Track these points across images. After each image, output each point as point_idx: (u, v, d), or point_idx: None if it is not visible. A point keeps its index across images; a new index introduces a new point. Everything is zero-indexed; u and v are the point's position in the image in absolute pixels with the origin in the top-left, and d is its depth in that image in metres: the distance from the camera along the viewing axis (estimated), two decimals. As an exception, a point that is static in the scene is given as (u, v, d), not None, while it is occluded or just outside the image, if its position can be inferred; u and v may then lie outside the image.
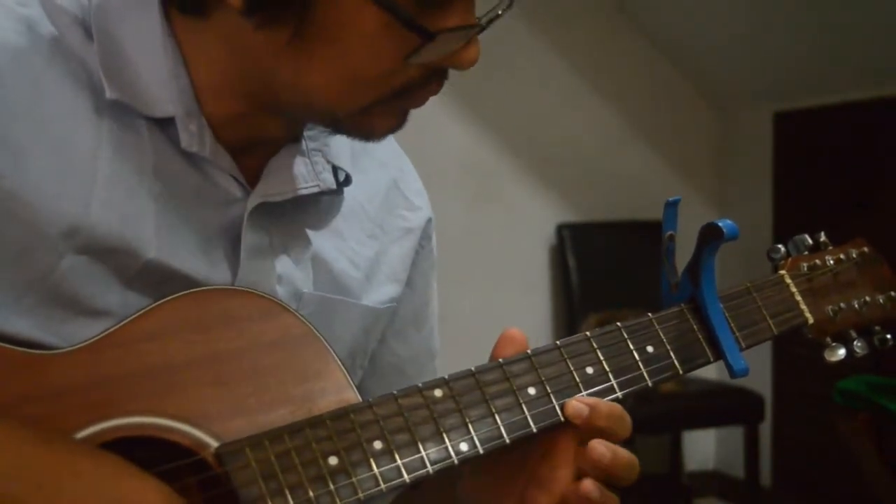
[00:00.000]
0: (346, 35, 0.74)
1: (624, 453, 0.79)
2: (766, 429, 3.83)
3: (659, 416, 3.47)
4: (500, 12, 0.79)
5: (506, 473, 0.83)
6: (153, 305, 0.74)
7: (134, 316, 0.74)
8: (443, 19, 0.75)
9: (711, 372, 3.20)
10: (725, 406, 3.63)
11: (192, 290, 0.76)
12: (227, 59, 0.79)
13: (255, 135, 0.83)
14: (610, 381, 0.83)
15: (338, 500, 0.69)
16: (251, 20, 0.73)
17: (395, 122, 0.82)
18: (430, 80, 0.79)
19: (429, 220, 1.01)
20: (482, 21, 0.77)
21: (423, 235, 1.00)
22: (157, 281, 0.78)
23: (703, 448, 4.24)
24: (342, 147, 0.90)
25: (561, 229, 3.95)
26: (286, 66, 0.76)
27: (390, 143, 0.99)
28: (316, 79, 0.76)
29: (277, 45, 0.74)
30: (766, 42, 3.74)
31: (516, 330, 0.83)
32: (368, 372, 0.97)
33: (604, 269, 3.88)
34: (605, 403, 0.80)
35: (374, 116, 0.80)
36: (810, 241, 1.02)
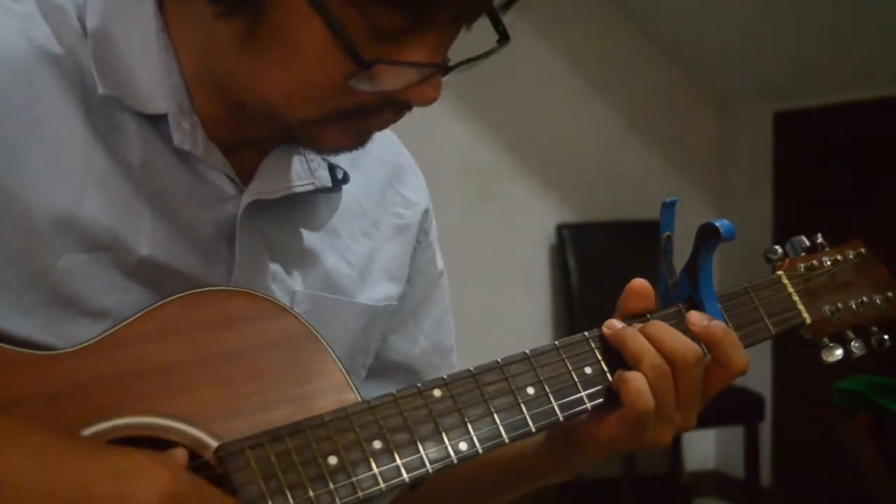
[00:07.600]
0: (294, 43, 0.72)
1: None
2: (766, 429, 3.83)
3: (659, 415, 3.47)
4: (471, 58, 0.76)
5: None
6: (153, 306, 0.75)
7: (134, 317, 0.74)
8: (400, 52, 0.73)
9: (711, 372, 3.19)
10: (725, 406, 3.62)
11: (192, 291, 0.76)
12: (201, 53, 0.78)
13: (241, 135, 0.82)
14: (608, 381, 0.83)
15: (337, 500, 0.70)
16: (213, 8, 0.72)
17: (349, 141, 0.80)
18: (385, 109, 0.77)
19: (425, 212, 1.00)
20: (449, 64, 0.75)
21: (420, 230, 0.99)
22: (154, 279, 0.78)
23: (703, 448, 4.23)
24: None
25: (561, 229, 3.95)
26: (242, 62, 0.75)
27: (390, 138, 0.98)
28: (268, 81, 0.75)
29: (234, 39, 0.73)
30: (766, 42, 3.74)
31: (642, 281, 0.88)
32: (376, 372, 0.96)
33: (604, 269, 3.88)
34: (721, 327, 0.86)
35: (326, 130, 0.78)
36: (807, 243, 1.02)
